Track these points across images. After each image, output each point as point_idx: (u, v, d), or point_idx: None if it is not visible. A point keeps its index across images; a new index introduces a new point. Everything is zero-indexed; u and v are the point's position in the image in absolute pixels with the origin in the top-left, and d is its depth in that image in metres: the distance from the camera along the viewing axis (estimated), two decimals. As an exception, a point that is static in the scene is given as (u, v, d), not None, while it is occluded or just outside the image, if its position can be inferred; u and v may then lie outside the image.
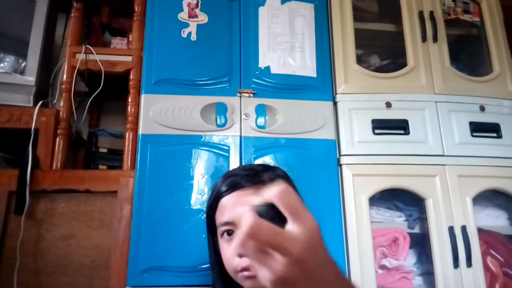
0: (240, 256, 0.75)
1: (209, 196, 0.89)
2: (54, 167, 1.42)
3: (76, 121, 1.58)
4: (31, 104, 1.49)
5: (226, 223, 0.80)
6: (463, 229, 1.39)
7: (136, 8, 1.61)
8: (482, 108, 1.57)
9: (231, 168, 1.37)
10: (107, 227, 1.36)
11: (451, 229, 1.39)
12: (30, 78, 1.51)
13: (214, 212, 0.85)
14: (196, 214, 1.31)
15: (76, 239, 1.35)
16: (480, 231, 1.44)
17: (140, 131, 1.38)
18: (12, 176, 1.36)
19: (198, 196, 1.33)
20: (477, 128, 1.54)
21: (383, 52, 1.81)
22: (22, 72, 1.51)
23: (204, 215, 1.32)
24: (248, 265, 0.73)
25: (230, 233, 0.80)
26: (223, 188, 0.83)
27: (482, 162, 1.50)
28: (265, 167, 0.86)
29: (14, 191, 1.34)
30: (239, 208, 0.78)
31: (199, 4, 1.55)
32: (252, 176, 0.82)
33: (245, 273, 0.74)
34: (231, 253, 0.78)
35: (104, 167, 1.58)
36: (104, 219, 1.37)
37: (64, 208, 1.38)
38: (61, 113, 1.49)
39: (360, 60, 1.67)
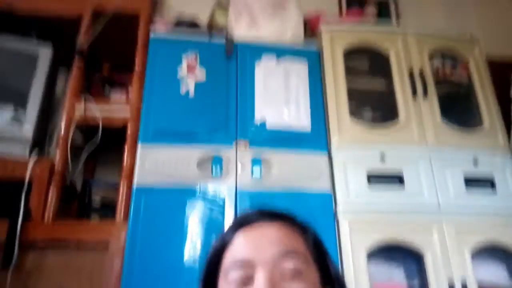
0: None
1: None
2: (45, 218, 1.39)
3: (71, 173, 1.57)
4: (27, 156, 1.49)
5: None
6: (463, 284, 1.36)
7: (136, 63, 1.65)
8: (475, 162, 1.58)
9: (226, 221, 1.35)
10: (97, 281, 1.31)
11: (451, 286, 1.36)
12: (27, 133, 1.50)
13: None
14: (189, 271, 1.27)
15: (64, 294, 1.30)
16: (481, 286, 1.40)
17: (135, 183, 1.37)
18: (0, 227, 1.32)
19: (191, 252, 1.30)
20: (471, 181, 1.55)
21: (376, 106, 1.85)
22: (20, 125, 1.52)
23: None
24: None
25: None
26: None
27: (478, 215, 1.49)
28: None
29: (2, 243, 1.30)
30: None
31: (198, 58, 1.61)
32: None
33: None
34: None
35: (96, 218, 1.56)
36: (94, 273, 1.32)
37: (53, 261, 1.33)
38: (56, 166, 1.47)
39: (352, 113, 1.70)
